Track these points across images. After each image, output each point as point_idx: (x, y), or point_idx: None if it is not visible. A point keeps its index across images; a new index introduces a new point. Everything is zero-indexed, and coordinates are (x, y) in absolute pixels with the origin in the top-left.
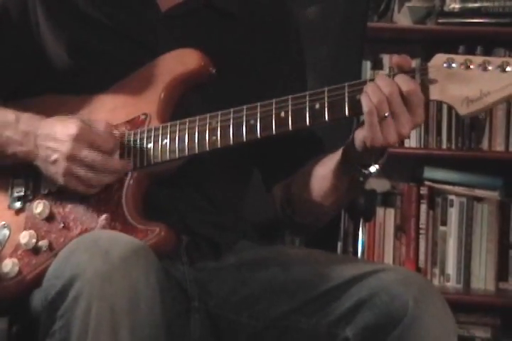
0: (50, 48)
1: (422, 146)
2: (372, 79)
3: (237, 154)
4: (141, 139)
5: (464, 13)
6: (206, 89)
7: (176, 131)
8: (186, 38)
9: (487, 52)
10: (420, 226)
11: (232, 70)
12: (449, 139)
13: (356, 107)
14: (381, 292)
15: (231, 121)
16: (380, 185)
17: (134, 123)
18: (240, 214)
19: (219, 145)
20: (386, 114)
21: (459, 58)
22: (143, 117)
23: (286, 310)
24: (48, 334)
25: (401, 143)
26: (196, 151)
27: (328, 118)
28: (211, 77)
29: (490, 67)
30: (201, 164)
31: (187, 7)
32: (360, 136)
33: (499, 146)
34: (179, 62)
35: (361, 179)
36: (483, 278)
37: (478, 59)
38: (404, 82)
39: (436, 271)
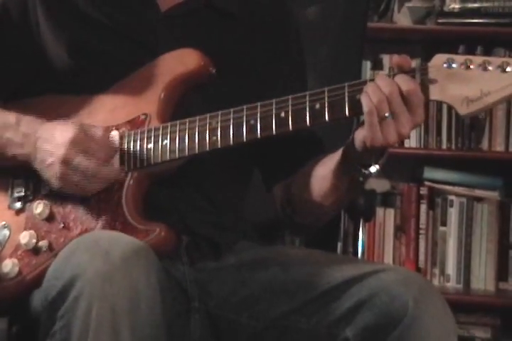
0: (50, 48)
1: (422, 146)
2: (372, 79)
3: (237, 154)
4: (141, 139)
5: (463, 13)
6: (206, 89)
7: (176, 131)
8: (186, 38)
9: (487, 52)
10: (420, 226)
11: (232, 70)
12: (449, 139)
13: (356, 107)
14: (381, 292)
15: (231, 121)
16: (380, 185)
17: (134, 123)
18: (240, 214)
19: (219, 146)
20: (386, 114)
21: (459, 58)
22: (143, 117)
23: (286, 311)
24: (49, 334)
25: (401, 143)
26: (196, 151)
27: (329, 118)
28: (211, 77)
29: (490, 67)
30: (201, 164)
31: (187, 7)
32: (360, 136)
33: (499, 146)
34: (179, 62)
35: (361, 179)
36: (483, 279)
37: (479, 59)
38: (404, 82)
39: (436, 271)
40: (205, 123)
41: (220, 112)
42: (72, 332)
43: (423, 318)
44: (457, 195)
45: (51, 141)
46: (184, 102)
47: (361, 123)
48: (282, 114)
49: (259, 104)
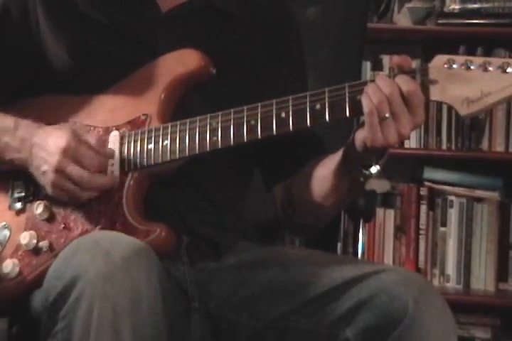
0: (50, 49)
1: (422, 147)
2: (372, 80)
3: (237, 154)
4: (142, 140)
5: (463, 13)
6: (207, 89)
7: (176, 132)
8: (186, 39)
9: (487, 52)
10: (420, 226)
11: (233, 71)
12: (448, 140)
13: (357, 108)
14: (381, 293)
15: (232, 121)
16: (380, 186)
17: (134, 123)
18: (240, 214)
19: (220, 146)
20: (387, 115)
21: (460, 59)
22: (143, 118)
23: (286, 311)
24: (50, 335)
25: (401, 144)
26: (197, 152)
27: (329, 118)
28: (211, 77)
29: (490, 68)
30: (202, 164)
31: (188, 8)
32: (360, 136)
33: (499, 147)
34: (179, 63)
35: (362, 179)
36: (483, 279)
37: (479, 60)
38: (404, 83)
39: (436, 271)
40: (206, 123)
41: (220, 113)
42: (73, 333)
43: (423, 318)
44: (457, 195)
45: (45, 147)
46: (184, 102)
47: (361, 124)
48: (283, 115)
49: (259, 104)
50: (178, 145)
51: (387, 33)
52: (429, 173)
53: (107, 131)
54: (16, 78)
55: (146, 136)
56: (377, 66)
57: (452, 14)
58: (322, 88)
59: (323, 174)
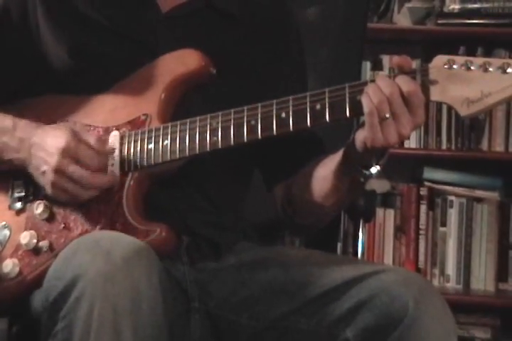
0: (50, 50)
1: (422, 147)
2: (373, 80)
3: (237, 154)
4: (142, 140)
5: (463, 13)
6: (207, 89)
7: (176, 132)
8: (186, 39)
9: (487, 53)
10: (420, 226)
11: (233, 71)
12: (448, 140)
13: (357, 108)
14: (381, 293)
15: (232, 121)
16: (380, 186)
17: (134, 123)
18: (240, 214)
19: (220, 146)
20: (387, 115)
21: (460, 59)
22: (143, 118)
23: (286, 311)
24: (50, 335)
25: (401, 144)
26: (197, 152)
27: (329, 118)
28: (211, 77)
29: (491, 69)
30: (202, 164)
31: (188, 8)
32: (360, 136)
33: (499, 147)
34: (180, 63)
35: (362, 180)
36: (483, 279)
37: (479, 60)
38: (404, 83)
39: (436, 271)
40: (206, 123)
41: (220, 113)
42: (73, 333)
43: (423, 319)
44: (457, 195)
45: (44, 147)
46: (185, 102)
47: (362, 124)
48: (283, 115)
49: (259, 104)
50: (178, 145)
51: (387, 33)
52: (429, 173)
53: (107, 131)
54: (16, 78)
55: (146, 136)
56: (377, 66)
57: (452, 14)
58: (322, 88)
59: (324, 174)
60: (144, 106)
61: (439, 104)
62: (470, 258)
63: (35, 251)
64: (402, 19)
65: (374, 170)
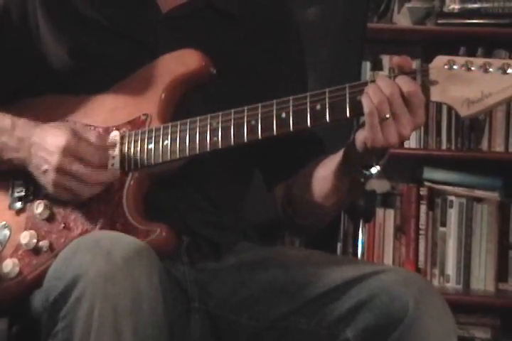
0: (50, 51)
1: (422, 147)
2: (373, 81)
3: (238, 155)
4: (142, 140)
5: (463, 13)
6: (207, 89)
7: (176, 132)
8: (186, 39)
9: (488, 53)
10: (420, 226)
11: (233, 71)
12: (448, 140)
13: (357, 108)
14: (381, 293)
15: (232, 121)
16: (380, 186)
17: (134, 123)
18: (240, 214)
19: (220, 146)
20: (387, 115)
21: (460, 60)
22: (143, 117)
23: (286, 311)
24: (51, 335)
25: (401, 144)
26: (197, 152)
27: (329, 119)
28: (212, 77)
29: (491, 69)
30: (202, 164)
31: (188, 8)
32: (360, 136)
33: (499, 147)
34: (180, 63)
35: (362, 180)
36: (483, 279)
37: (479, 61)
38: (405, 83)
39: (436, 271)
40: (206, 123)
41: (220, 113)
42: (74, 333)
43: (423, 319)
44: (457, 195)
45: (45, 146)
46: (185, 103)
47: (362, 124)
48: (283, 115)
49: (260, 104)
50: (178, 145)
51: (387, 33)
52: (429, 173)
53: (107, 131)
54: (16, 78)
55: (146, 135)
56: (377, 66)
57: (452, 14)
58: (322, 88)
59: (324, 174)
60: (144, 106)
61: (439, 104)
62: (470, 258)
63: (35, 251)
64: (402, 19)
65: (374, 170)
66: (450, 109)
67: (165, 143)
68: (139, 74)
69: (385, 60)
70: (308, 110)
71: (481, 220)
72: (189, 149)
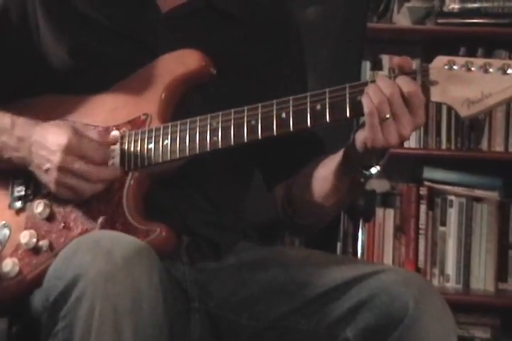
0: (50, 50)
1: (422, 147)
2: (373, 81)
3: (238, 154)
4: (142, 139)
5: (463, 13)
6: (207, 89)
7: (176, 132)
8: (186, 39)
9: (488, 54)
10: (420, 226)
11: (233, 71)
12: (448, 139)
13: (357, 108)
14: (381, 293)
15: (232, 121)
16: (380, 186)
17: (134, 123)
18: (240, 214)
19: (220, 146)
20: (387, 116)
21: (460, 60)
22: (144, 117)
23: (286, 311)
24: (51, 334)
25: (400, 144)
26: (197, 152)
27: (329, 119)
28: (212, 77)
29: (491, 69)
30: (202, 164)
31: (188, 8)
32: (361, 137)
33: (498, 147)
34: (180, 63)
35: (362, 180)
36: (483, 279)
37: (479, 61)
38: (405, 84)
39: (436, 271)
40: (206, 123)
41: (220, 113)
42: (74, 333)
43: (423, 319)
44: (457, 195)
45: (46, 145)
46: (185, 102)
47: (362, 125)
48: (283, 115)
49: (260, 104)
50: (178, 145)
51: (387, 32)
52: (429, 173)
53: (107, 130)
54: (16, 78)
55: (146, 135)
56: (376, 66)
57: (452, 14)
58: (322, 88)
59: (324, 174)
60: (144, 106)
61: (439, 104)
62: (470, 257)
63: (35, 250)
64: (402, 19)
65: (374, 170)
66: (450, 108)
67: (165, 142)
68: (139, 74)
69: (385, 59)
70: (309, 110)
71: (481, 220)
72: (189, 149)
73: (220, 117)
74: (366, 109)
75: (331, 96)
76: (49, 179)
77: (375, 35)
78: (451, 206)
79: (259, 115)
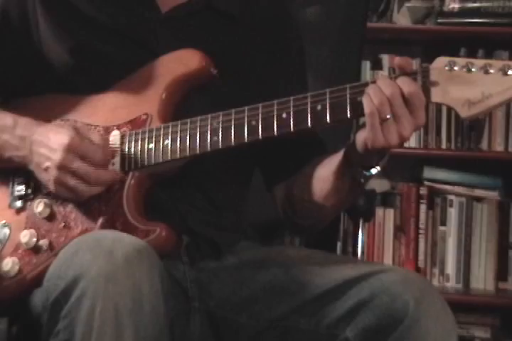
0: (51, 50)
1: (422, 146)
2: (373, 81)
3: (238, 155)
4: (143, 139)
5: (463, 13)
6: (207, 89)
7: (177, 132)
8: (187, 39)
9: (488, 54)
10: (420, 226)
11: (233, 71)
12: (448, 139)
13: (358, 109)
14: (382, 293)
15: (232, 121)
16: (380, 185)
17: (135, 123)
18: (240, 214)
19: (220, 146)
20: (388, 116)
21: (461, 61)
22: (144, 117)
23: (286, 311)
24: (51, 334)
25: (401, 144)
26: (197, 152)
27: (330, 119)
28: (212, 77)
29: (491, 70)
30: (202, 164)
31: (188, 8)
32: (361, 137)
33: (498, 146)
34: (180, 63)
35: (362, 180)
36: (483, 278)
37: (480, 62)
38: (405, 84)
39: (436, 271)
40: (207, 123)
41: (221, 113)
42: (75, 332)
43: (423, 319)
44: (457, 194)
45: (47, 144)
46: (185, 102)
47: (362, 125)
48: (284, 115)
49: (260, 104)
50: (178, 145)
51: (387, 32)
52: (429, 173)
53: (108, 130)
54: (16, 78)
55: (146, 135)
56: (376, 65)
57: (452, 13)
58: (322, 88)
59: (324, 175)
60: (144, 106)
61: (439, 104)
62: (470, 257)
63: (35, 249)
64: (402, 18)
65: (374, 171)
66: (450, 108)
67: (165, 142)
68: (140, 74)
69: (385, 59)
70: (309, 110)
71: (481, 220)
72: (189, 149)
73: (221, 117)
74: (367, 110)
75: (332, 96)
76: (48, 178)
77: (375, 35)
78: (451, 206)
79: (260, 115)
